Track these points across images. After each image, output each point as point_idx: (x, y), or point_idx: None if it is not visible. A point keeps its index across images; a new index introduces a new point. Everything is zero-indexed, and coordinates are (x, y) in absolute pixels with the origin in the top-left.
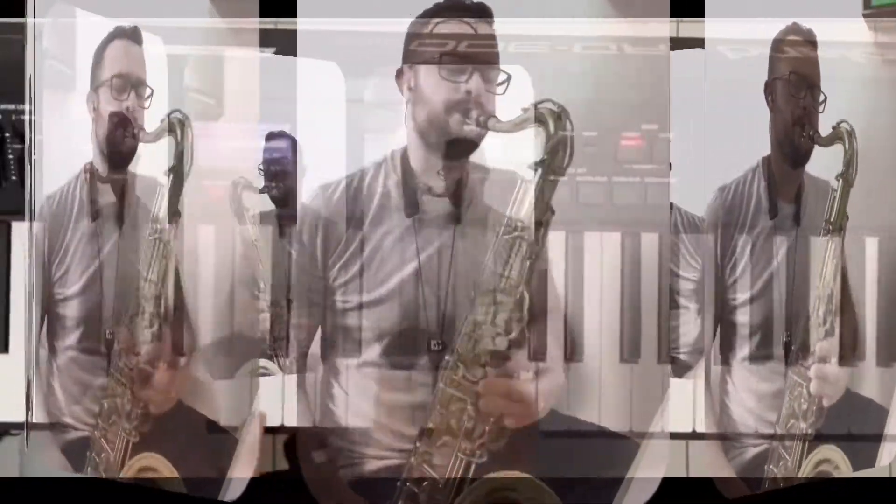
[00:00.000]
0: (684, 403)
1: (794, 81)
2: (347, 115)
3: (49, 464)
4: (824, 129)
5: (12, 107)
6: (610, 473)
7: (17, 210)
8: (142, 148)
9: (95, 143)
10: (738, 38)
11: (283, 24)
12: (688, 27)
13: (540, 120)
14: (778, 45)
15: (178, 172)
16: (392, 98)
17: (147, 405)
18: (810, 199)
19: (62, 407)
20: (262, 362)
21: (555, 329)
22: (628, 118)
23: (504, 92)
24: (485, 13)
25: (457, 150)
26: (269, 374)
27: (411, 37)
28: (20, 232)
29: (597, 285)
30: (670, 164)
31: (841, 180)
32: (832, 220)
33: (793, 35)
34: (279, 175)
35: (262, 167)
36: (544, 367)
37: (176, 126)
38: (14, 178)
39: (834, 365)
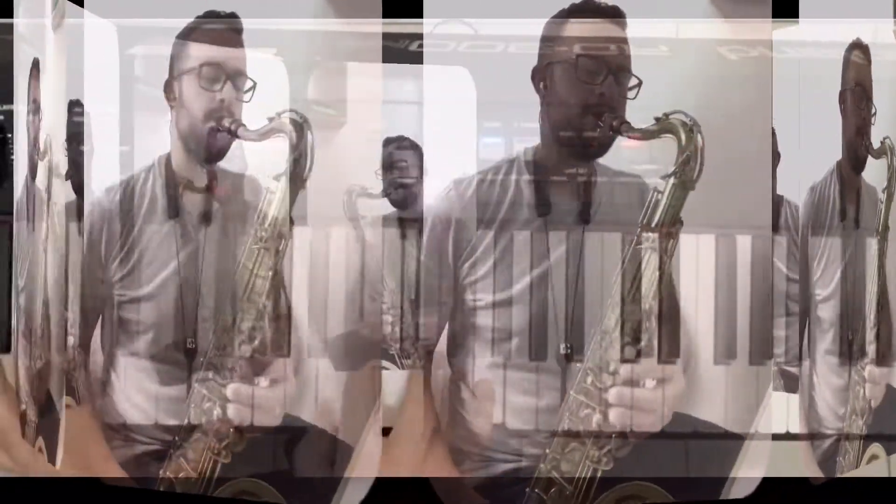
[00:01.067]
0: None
1: (857, 93)
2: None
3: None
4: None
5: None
6: (717, 472)
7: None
8: (240, 146)
9: (176, 135)
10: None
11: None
12: (687, 28)
13: (672, 131)
14: (848, 56)
15: (294, 178)
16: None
17: (241, 423)
18: (866, 203)
19: (124, 417)
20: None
21: (677, 336)
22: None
23: (635, 97)
24: (619, 14)
25: (588, 151)
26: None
27: (546, 37)
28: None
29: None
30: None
31: (885, 193)
32: (879, 229)
33: (858, 48)
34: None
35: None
36: (668, 374)
37: (291, 127)
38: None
39: (880, 367)
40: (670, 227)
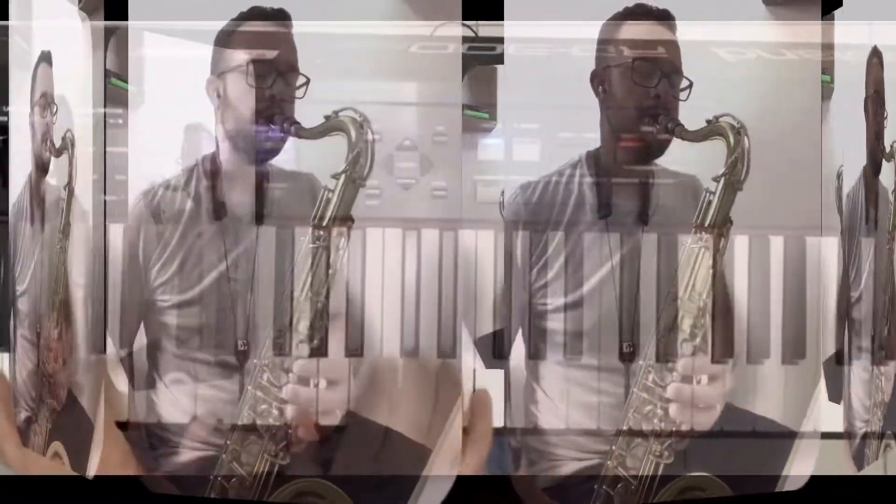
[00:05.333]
0: None
1: (875, 99)
2: None
3: None
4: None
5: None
6: None
7: None
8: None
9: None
10: None
11: None
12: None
13: None
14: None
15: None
16: None
17: None
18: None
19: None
20: None
21: None
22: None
23: None
24: None
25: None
26: None
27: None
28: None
29: None
30: None
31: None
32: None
33: (875, 54)
34: None
35: None
36: None
37: (349, 125)
38: None
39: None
40: None
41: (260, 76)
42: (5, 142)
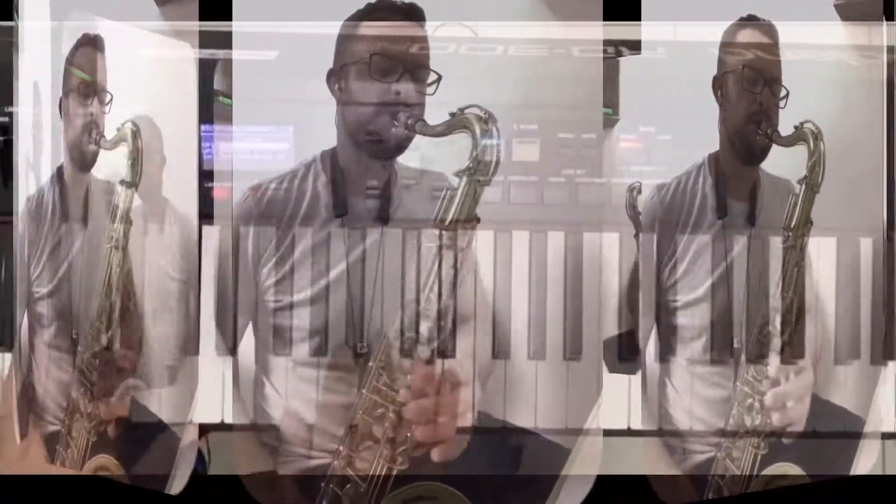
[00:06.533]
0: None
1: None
2: None
3: None
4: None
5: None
6: None
7: None
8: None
9: (342, 127)
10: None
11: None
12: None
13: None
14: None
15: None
16: None
17: None
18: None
19: None
20: None
21: None
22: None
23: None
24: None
25: (754, 158)
26: None
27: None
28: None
29: None
30: None
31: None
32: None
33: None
34: None
35: None
36: None
37: (474, 123)
38: None
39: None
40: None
41: (384, 70)
42: (6, 142)
